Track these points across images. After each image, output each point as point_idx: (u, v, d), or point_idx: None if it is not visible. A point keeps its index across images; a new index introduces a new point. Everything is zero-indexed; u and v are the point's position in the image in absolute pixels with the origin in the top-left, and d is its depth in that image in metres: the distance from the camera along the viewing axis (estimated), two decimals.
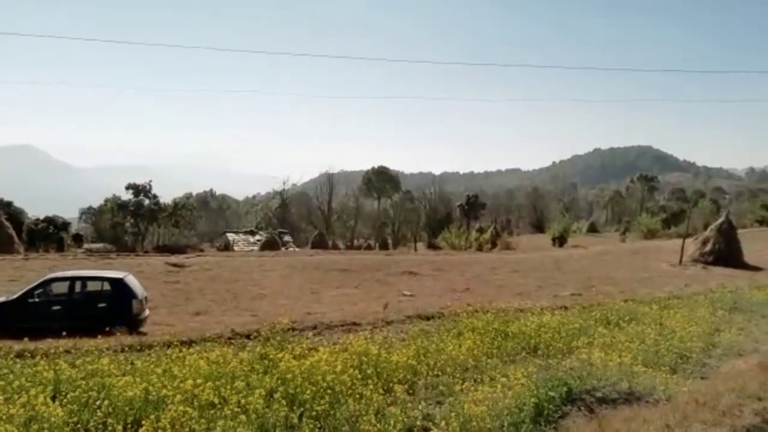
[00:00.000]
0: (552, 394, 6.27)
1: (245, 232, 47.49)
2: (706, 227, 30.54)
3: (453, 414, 5.93)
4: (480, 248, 46.10)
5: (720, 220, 27.80)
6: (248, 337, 9.58)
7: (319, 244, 47.47)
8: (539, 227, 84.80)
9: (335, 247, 55.19)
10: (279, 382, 6.84)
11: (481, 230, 65.03)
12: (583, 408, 6.22)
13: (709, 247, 26.03)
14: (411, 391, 7.04)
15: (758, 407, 5.45)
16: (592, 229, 76.29)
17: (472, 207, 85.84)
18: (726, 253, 25.61)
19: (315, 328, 10.54)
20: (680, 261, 25.06)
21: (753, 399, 5.70)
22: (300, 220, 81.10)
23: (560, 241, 50.28)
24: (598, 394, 6.45)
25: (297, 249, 40.27)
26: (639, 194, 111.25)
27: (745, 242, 27.97)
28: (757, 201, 76.45)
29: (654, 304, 13.21)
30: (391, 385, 7.06)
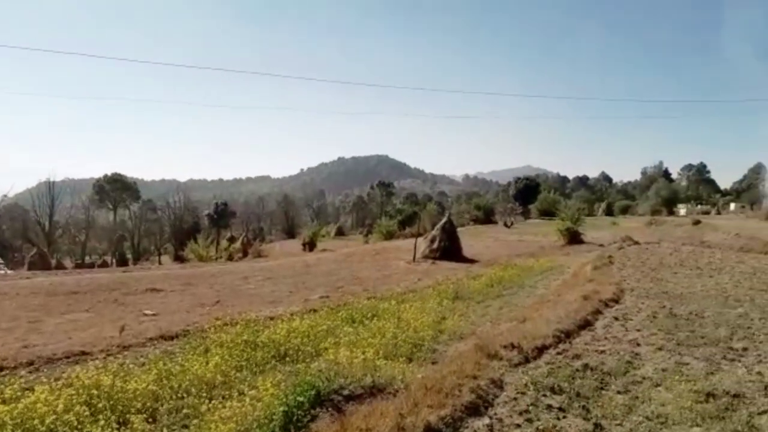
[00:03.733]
0: (300, 399, 6.29)
1: None
2: (433, 227, 34.34)
3: None
4: (231, 258, 45.06)
5: (443, 220, 31.57)
6: None
7: (40, 264, 41.18)
8: (291, 233, 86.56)
9: (60, 266, 48.41)
10: None
11: (232, 239, 63.85)
12: (331, 408, 6.36)
13: (436, 244, 29.42)
14: (152, 420, 6.41)
15: (473, 385, 6.25)
16: (340, 232, 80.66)
17: (222, 215, 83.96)
18: (449, 248, 29.24)
19: (32, 363, 8.91)
20: (414, 258, 27.83)
21: (470, 378, 6.50)
22: (14, 237, 69.27)
23: (310, 246, 52.12)
24: (345, 392, 6.66)
25: (10, 272, 34.04)
26: (379, 199, 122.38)
27: (463, 238, 32.41)
28: (471, 202, 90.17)
29: (393, 300, 14.30)
30: (128, 416, 6.34)
